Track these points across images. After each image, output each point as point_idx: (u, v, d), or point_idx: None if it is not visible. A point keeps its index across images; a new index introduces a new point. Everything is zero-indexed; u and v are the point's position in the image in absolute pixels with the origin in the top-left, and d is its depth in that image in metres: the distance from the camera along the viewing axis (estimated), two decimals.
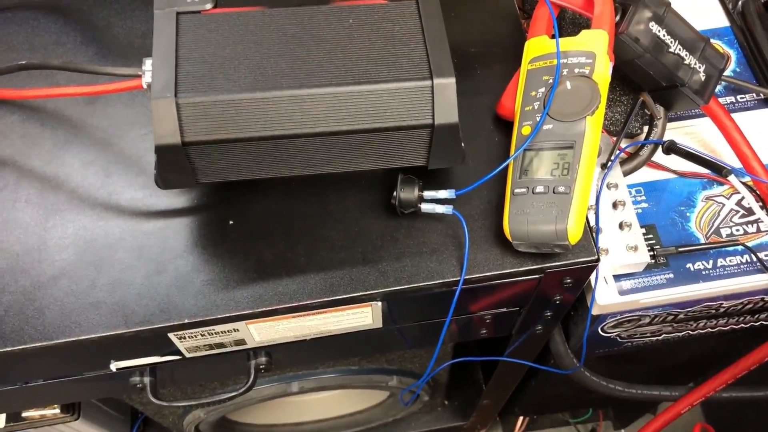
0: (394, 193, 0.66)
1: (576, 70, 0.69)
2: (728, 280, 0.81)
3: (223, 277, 0.66)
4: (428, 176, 0.68)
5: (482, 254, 0.67)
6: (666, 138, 0.83)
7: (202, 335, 0.67)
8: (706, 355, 1.17)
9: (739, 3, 0.97)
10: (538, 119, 0.67)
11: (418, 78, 0.60)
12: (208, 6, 0.62)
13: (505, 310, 0.76)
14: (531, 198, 0.64)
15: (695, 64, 0.78)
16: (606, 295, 0.79)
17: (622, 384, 1.04)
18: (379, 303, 0.67)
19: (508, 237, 0.65)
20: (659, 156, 0.85)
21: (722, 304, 0.87)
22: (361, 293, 0.65)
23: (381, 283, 0.65)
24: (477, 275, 0.66)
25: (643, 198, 0.86)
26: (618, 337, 0.94)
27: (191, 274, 0.66)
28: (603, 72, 0.68)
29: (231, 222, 0.68)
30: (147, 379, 0.74)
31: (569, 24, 0.83)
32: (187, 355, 0.71)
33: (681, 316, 0.89)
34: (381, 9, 0.63)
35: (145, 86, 0.61)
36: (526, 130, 0.68)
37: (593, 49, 0.69)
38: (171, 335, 0.66)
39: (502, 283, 0.67)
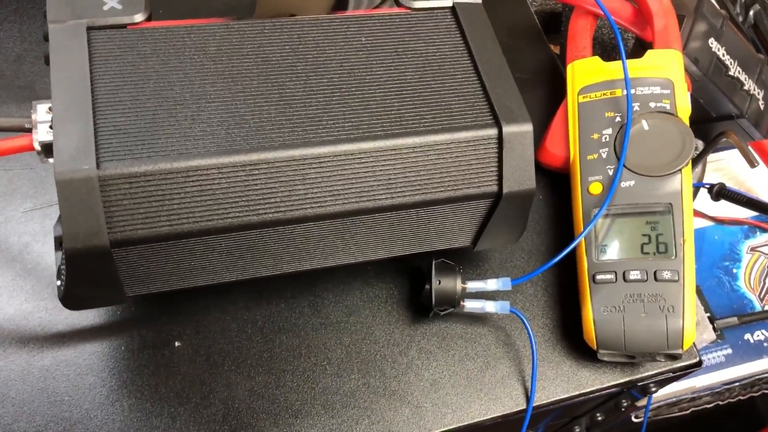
0: (426, 286, 0.45)
1: (652, 104, 0.50)
2: None
3: None
4: (457, 257, 0.48)
5: (550, 368, 0.47)
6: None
7: None
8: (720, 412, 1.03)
9: (750, 14, 0.83)
10: (611, 173, 0.49)
11: (477, 125, 0.39)
12: (139, 17, 0.39)
13: (552, 423, 0.57)
14: (622, 288, 0.45)
15: (754, 89, 0.63)
16: None
17: None
18: None
19: (592, 344, 0.46)
20: (698, 201, 0.70)
21: None
22: None
23: (416, 424, 0.44)
24: (547, 401, 0.46)
25: None
26: (648, 418, 0.77)
27: None
28: (685, 106, 0.51)
29: (178, 344, 0.45)
30: None
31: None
32: None
33: (723, 390, 0.74)
34: (404, 20, 0.43)
35: (38, 148, 0.37)
36: (596, 189, 0.49)
37: (668, 75, 0.51)
38: None
39: (575, 402, 0.48)
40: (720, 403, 0.80)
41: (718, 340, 0.66)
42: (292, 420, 0.43)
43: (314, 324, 0.46)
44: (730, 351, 0.66)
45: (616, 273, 0.46)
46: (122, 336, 0.45)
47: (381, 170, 0.38)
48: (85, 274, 0.36)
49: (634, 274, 0.45)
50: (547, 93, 0.58)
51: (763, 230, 0.71)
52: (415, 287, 0.48)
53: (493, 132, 0.39)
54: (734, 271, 0.69)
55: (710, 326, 0.61)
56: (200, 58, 0.38)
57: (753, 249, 0.70)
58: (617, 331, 0.45)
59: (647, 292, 0.45)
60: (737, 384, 0.72)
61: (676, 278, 0.45)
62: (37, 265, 0.46)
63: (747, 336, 0.66)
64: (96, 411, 0.42)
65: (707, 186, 0.66)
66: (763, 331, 0.67)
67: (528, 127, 0.40)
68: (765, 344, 0.66)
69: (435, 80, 0.41)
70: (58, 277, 0.39)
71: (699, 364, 0.49)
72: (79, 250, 0.34)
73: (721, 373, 0.65)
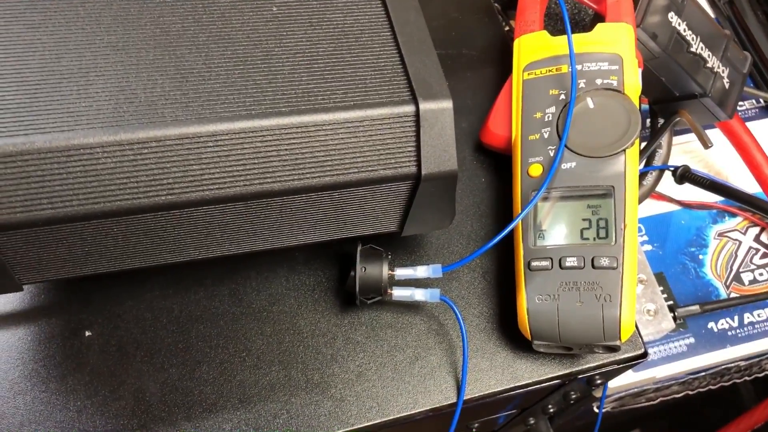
0: (351, 273, 0.43)
1: (598, 81, 0.48)
2: (760, 340, 0.64)
3: (78, 430, 0.40)
4: (390, 242, 0.45)
5: (484, 359, 0.45)
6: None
7: None
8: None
9: None
10: (552, 154, 0.46)
11: (393, 102, 0.37)
12: None
13: (499, 415, 0.55)
14: (558, 276, 0.43)
15: (718, 67, 0.60)
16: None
17: None
18: None
19: (526, 335, 0.43)
20: (663, 184, 0.67)
21: (740, 364, 0.70)
22: None
23: (337, 418, 0.42)
24: (480, 394, 0.44)
25: (645, 238, 0.67)
26: (610, 409, 0.75)
27: (22, 429, 0.40)
28: (634, 83, 0.48)
29: (88, 334, 0.43)
30: None
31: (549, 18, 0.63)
32: None
33: (690, 380, 0.71)
34: None
35: None
36: (536, 171, 0.46)
37: (617, 50, 0.48)
38: None
39: (512, 395, 0.46)
40: (690, 392, 0.78)
41: (681, 329, 0.64)
42: (206, 414, 0.41)
43: (234, 313, 0.44)
44: (692, 340, 0.63)
45: (552, 259, 0.43)
46: (29, 325, 0.42)
47: (286, 149, 0.35)
48: None
49: (570, 261, 0.43)
50: (495, 71, 0.55)
51: (732, 215, 0.68)
52: (344, 275, 0.46)
53: (409, 109, 0.37)
54: (700, 257, 0.66)
55: (669, 315, 0.58)
56: (93, 29, 0.36)
57: (721, 234, 0.68)
58: (551, 320, 0.42)
59: (584, 279, 0.42)
60: (704, 373, 0.69)
61: (615, 265, 0.42)
62: None
63: (711, 325, 0.64)
64: None
65: (671, 168, 0.63)
66: (728, 319, 0.64)
67: (447, 104, 0.37)
68: (729, 333, 0.64)
69: (350, 53, 0.38)
70: None
71: (644, 355, 0.46)
72: None
73: (684, 363, 0.63)
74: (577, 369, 0.45)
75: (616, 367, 0.46)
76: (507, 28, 0.61)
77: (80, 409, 0.41)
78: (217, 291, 0.45)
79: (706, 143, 0.54)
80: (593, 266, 0.42)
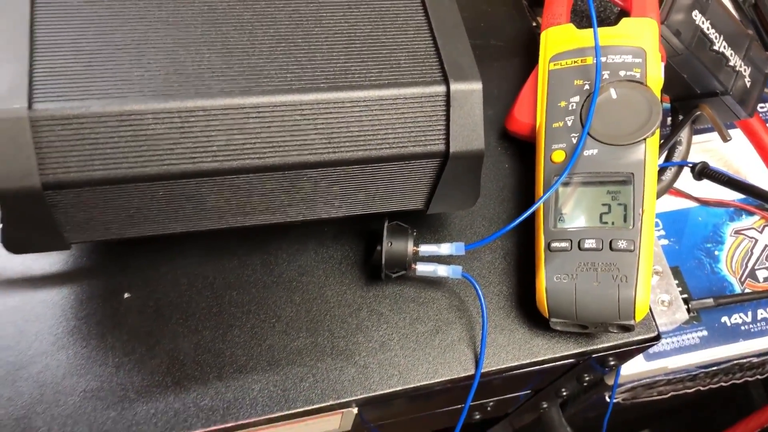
0: (378, 248, 0.45)
1: (622, 73, 0.49)
2: None
3: (116, 384, 0.42)
4: (415, 220, 0.47)
5: (502, 335, 0.46)
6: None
7: None
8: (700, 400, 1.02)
9: None
10: (574, 141, 0.48)
11: (425, 81, 0.39)
12: None
13: (514, 395, 0.57)
14: (576, 257, 0.45)
15: (740, 66, 0.61)
16: (629, 363, 0.61)
17: None
18: (355, 409, 0.45)
19: (544, 312, 0.45)
20: (682, 180, 0.68)
21: (753, 360, 0.71)
22: (330, 402, 0.43)
23: (360, 384, 0.44)
24: (497, 368, 0.45)
25: (662, 233, 0.68)
26: (622, 401, 0.76)
27: (64, 380, 0.42)
28: (656, 76, 0.49)
29: (127, 295, 0.45)
30: None
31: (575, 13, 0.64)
32: None
33: (703, 375, 0.73)
34: None
35: None
36: (559, 157, 0.48)
37: (641, 44, 0.50)
38: None
39: (527, 372, 0.47)
40: (701, 388, 0.79)
41: (694, 322, 0.65)
42: (237, 374, 0.43)
43: (266, 282, 0.46)
44: (705, 333, 0.65)
45: (571, 241, 0.45)
46: (72, 285, 0.45)
47: (323, 123, 0.37)
48: (18, 216, 0.36)
49: (589, 243, 0.44)
50: (521, 62, 0.57)
51: (749, 213, 0.70)
52: (369, 251, 0.48)
53: (441, 89, 0.39)
54: (716, 253, 0.68)
55: (683, 306, 0.60)
56: (146, 4, 0.38)
57: (737, 232, 0.69)
58: (569, 299, 0.44)
59: (601, 261, 0.44)
60: (715, 368, 0.71)
61: (632, 248, 0.44)
62: None
63: (724, 318, 0.65)
64: (41, 357, 0.42)
65: (690, 165, 0.65)
66: (741, 314, 0.65)
67: (477, 86, 0.39)
68: (742, 328, 0.65)
69: (386, 35, 0.40)
70: (2, 220, 0.39)
71: (657, 338, 0.48)
72: (9, 190, 0.34)
73: (695, 355, 0.64)
74: (591, 348, 0.47)
75: (629, 348, 0.47)
76: (534, 24, 0.63)
77: (118, 365, 0.43)
78: (249, 261, 0.47)
79: (725, 137, 0.55)
80: (611, 248, 0.44)
